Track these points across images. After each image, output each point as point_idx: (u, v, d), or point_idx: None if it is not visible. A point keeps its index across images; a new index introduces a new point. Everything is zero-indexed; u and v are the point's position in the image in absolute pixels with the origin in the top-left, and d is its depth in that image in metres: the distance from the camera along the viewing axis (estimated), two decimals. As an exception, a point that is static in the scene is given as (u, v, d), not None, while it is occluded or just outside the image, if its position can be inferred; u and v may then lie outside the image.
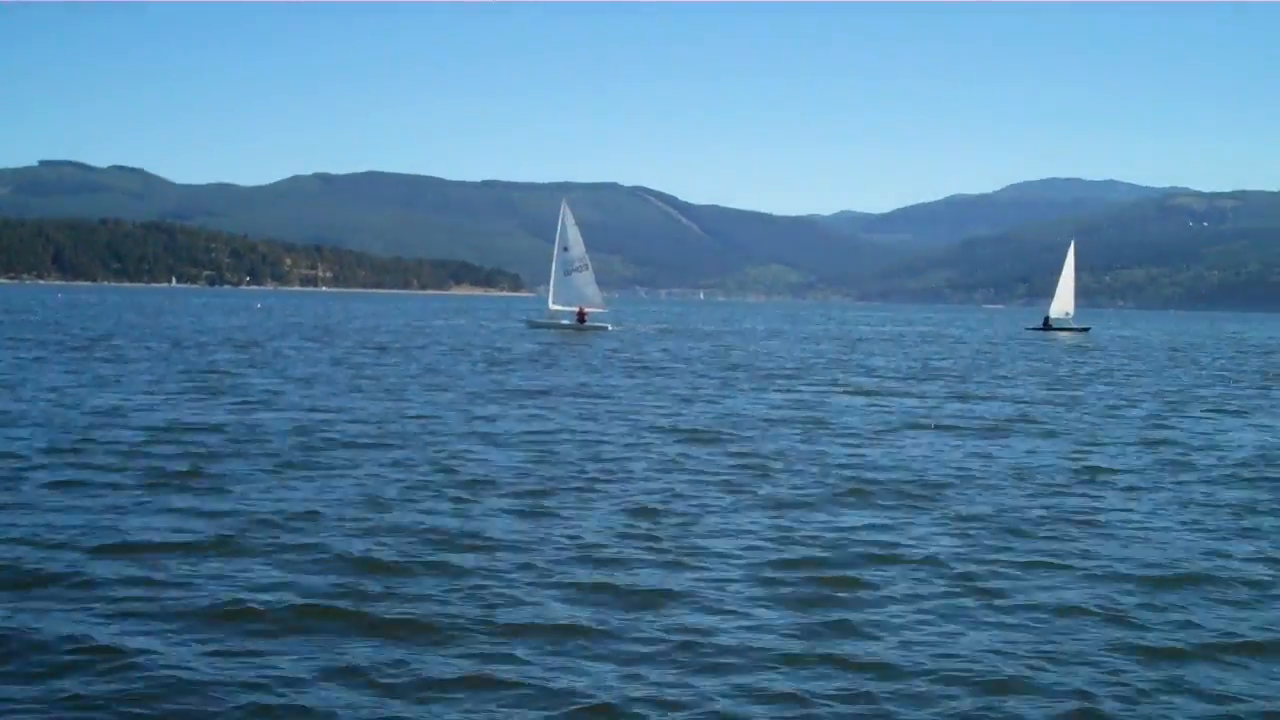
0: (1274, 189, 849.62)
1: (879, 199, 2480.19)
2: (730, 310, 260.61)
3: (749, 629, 12.01)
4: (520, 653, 11.12)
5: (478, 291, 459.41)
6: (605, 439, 25.81)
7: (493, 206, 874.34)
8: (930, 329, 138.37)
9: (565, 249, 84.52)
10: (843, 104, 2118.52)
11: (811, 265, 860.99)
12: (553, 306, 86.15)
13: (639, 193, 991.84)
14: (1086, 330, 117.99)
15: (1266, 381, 53.87)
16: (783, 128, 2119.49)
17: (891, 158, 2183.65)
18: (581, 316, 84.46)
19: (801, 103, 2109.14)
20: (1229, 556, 15.74)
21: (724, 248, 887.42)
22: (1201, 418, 35.40)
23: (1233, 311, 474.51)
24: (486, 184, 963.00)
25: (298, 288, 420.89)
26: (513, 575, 13.72)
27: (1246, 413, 37.50)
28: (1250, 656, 11.67)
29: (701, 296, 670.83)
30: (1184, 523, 17.96)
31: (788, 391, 40.56)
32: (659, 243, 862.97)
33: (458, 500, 17.93)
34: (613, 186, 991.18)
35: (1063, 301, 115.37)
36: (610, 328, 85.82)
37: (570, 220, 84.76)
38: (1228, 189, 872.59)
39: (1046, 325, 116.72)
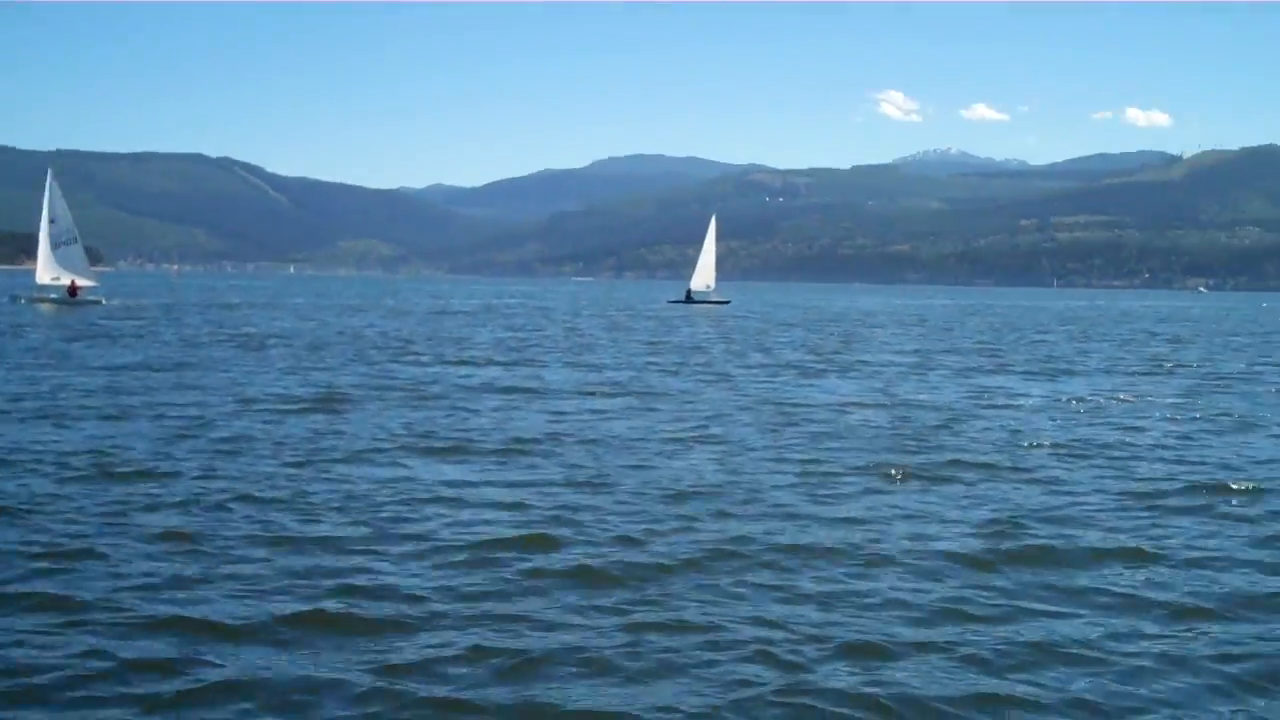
0: (843, 166, 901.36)
1: (471, 173, 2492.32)
2: (295, 284, 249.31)
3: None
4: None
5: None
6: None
7: (67, 177, 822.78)
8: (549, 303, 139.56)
9: (53, 221, 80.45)
10: (433, 80, 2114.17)
11: (404, 238, 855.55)
12: (41, 280, 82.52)
13: (225, 164, 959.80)
14: (728, 303, 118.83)
15: None
16: (373, 101, 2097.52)
17: (483, 133, 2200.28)
18: (73, 290, 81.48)
19: (391, 77, 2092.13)
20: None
21: (315, 220, 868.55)
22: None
23: (806, 282, 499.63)
24: (59, 153, 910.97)
25: None
26: None
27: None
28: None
29: (291, 270, 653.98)
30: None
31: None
32: (247, 215, 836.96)
33: None
34: (198, 157, 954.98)
35: (704, 275, 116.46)
36: (104, 301, 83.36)
37: (58, 193, 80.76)
38: (802, 166, 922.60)
39: (689, 298, 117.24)
